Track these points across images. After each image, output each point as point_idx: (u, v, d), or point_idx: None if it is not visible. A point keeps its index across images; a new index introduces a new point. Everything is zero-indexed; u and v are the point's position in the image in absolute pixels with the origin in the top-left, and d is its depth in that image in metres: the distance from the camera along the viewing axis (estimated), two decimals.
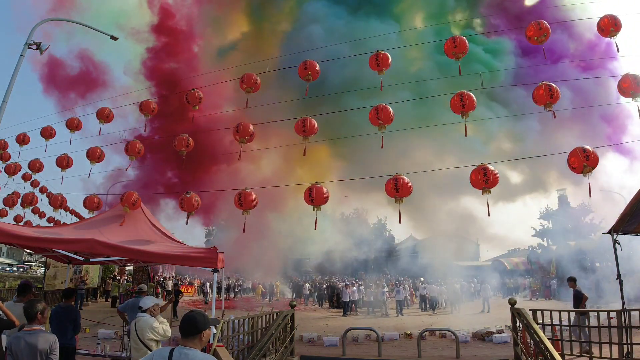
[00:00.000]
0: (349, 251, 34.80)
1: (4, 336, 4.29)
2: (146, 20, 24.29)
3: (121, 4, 25.55)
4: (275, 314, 8.37)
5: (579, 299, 8.79)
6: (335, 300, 22.16)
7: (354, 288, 20.19)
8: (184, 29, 24.70)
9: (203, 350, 2.47)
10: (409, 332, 12.28)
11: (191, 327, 2.38)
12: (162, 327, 4.79)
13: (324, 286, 25.29)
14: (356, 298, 19.65)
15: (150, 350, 4.41)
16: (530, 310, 7.63)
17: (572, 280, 9.61)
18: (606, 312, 7.35)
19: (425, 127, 12.64)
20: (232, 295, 27.58)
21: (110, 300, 20.07)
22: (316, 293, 25.11)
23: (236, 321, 7.21)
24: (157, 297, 16.03)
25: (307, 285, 26.39)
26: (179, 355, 2.30)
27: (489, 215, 7.22)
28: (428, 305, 20.09)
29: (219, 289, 10.20)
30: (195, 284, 31.92)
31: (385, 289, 20.35)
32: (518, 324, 7.62)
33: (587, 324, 8.00)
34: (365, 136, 9.14)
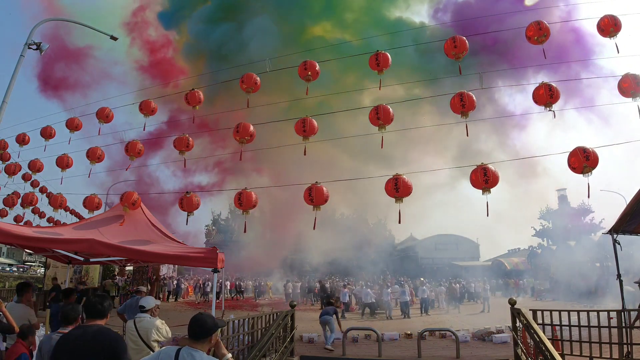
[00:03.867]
0: (349, 251, 34.86)
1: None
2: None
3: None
4: (275, 314, 8.37)
5: None
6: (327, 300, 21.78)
7: (369, 290, 19.43)
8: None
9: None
10: (409, 332, 12.27)
11: (200, 330, 2.38)
12: (165, 327, 4.74)
13: (317, 284, 24.84)
14: (370, 300, 18.72)
15: (153, 351, 4.36)
16: (530, 310, 7.64)
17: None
18: (606, 312, 7.35)
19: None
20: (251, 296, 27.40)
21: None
22: (311, 293, 24.76)
23: (236, 321, 7.21)
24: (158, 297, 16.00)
25: (290, 284, 25.13)
26: (186, 356, 2.30)
27: (487, 215, 7.21)
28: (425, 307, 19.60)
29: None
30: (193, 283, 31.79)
31: (389, 289, 19.97)
32: (518, 324, 7.62)
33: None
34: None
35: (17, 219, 16.19)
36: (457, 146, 25.86)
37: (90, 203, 9.09)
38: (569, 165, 6.51)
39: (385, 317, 17.93)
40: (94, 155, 10.29)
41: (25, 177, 15.24)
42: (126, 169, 12.13)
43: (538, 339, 6.40)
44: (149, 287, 17.95)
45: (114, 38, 10.84)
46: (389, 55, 8.05)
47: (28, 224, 15.35)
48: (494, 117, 18.76)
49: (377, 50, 8.07)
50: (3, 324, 4.13)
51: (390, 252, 43.26)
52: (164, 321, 4.89)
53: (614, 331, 6.85)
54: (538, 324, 7.15)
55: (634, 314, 7.08)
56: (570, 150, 6.53)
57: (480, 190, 6.80)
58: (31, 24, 11.99)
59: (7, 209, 14.13)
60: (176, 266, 26.18)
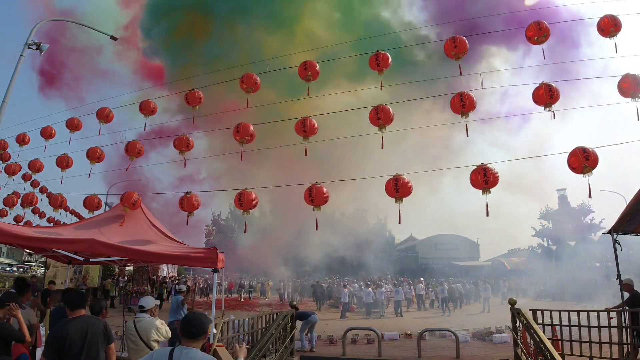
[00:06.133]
0: (349, 251, 34.85)
1: None
2: None
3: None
4: (275, 314, 8.37)
5: None
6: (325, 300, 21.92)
7: (370, 290, 19.58)
8: None
9: (203, 349, 2.48)
10: (409, 332, 12.26)
11: (194, 328, 2.39)
12: (164, 327, 4.73)
13: (311, 285, 24.85)
14: (371, 300, 18.98)
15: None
16: (530, 310, 7.63)
17: None
18: (606, 312, 7.35)
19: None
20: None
21: (109, 300, 20.03)
22: (296, 293, 24.68)
23: (236, 321, 7.22)
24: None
25: (282, 284, 25.11)
26: (180, 355, 2.30)
27: (487, 215, 7.19)
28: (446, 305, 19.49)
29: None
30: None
31: (384, 288, 20.17)
32: (518, 324, 7.62)
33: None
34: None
35: (17, 219, 16.17)
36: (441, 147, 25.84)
37: (90, 203, 9.07)
38: (569, 165, 6.49)
39: (379, 315, 18.20)
40: (94, 155, 10.27)
41: (25, 177, 15.23)
42: (126, 169, 12.10)
43: (538, 339, 6.41)
44: (149, 287, 17.96)
45: (114, 38, 10.85)
46: (388, 55, 8.04)
47: (28, 224, 15.34)
48: (492, 116, 18.71)
49: (377, 50, 8.06)
50: (16, 332, 4.04)
51: (390, 252, 43.23)
52: (163, 321, 4.89)
53: (614, 331, 6.85)
54: (538, 324, 7.15)
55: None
56: (570, 150, 6.53)
57: (480, 190, 6.79)
58: (31, 24, 12.02)
59: (7, 209, 14.11)
60: (176, 266, 26.18)
